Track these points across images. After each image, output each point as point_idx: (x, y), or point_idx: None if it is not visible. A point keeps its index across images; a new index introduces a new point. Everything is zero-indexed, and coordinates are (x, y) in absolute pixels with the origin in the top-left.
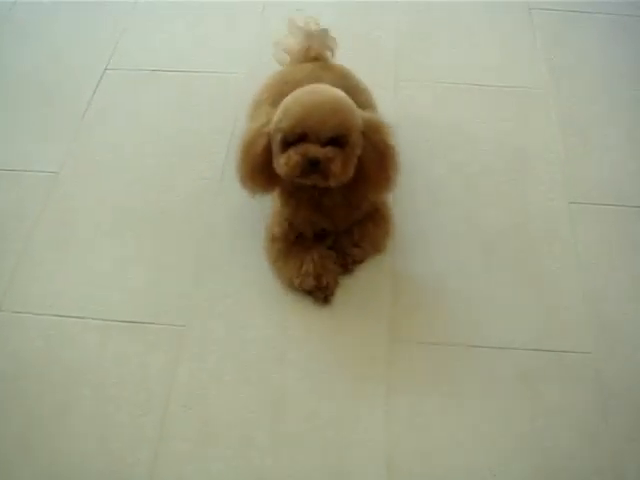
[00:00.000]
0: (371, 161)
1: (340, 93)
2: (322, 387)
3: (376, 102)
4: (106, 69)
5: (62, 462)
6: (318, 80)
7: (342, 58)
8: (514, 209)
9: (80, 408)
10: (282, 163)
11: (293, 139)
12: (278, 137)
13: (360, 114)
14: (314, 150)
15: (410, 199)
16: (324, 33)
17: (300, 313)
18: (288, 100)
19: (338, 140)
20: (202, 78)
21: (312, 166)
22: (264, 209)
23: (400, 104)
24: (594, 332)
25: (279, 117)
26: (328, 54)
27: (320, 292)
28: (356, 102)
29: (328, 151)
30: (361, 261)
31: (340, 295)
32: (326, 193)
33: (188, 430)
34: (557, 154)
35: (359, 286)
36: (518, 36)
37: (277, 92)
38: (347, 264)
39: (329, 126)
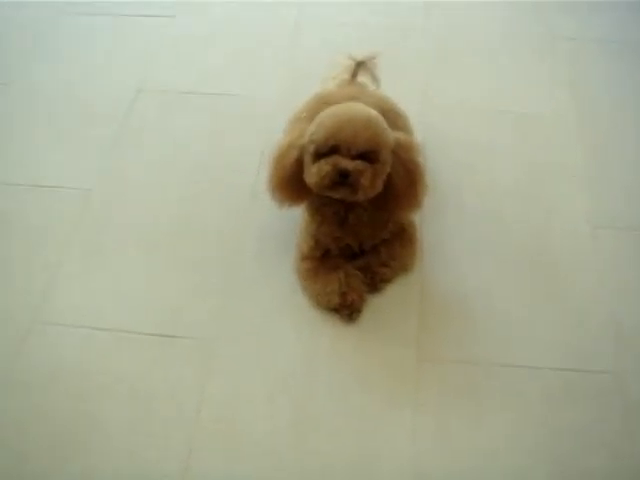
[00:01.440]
0: (400, 179)
1: (373, 111)
2: (350, 405)
3: (412, 128)
4: (139, 90)
5: (94, 475)
6: (356, 101)
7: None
8: (540, 232)
9: (111, 421)
10: (313, 173)
11: (325, 151)
12: (311, 148)
13: (392, 133)
14: (345, 162)
15: (437, 219)
16: (371, 59)
17: (329, 331)
18: (322, 114)
19: (369, 155)
20: (233, 100)
21: (342, 178)
22: (294, 226)
23: (427, 126)
24: (618, 351)
25: (313, 130)
26: (370, 82)
27: (346, 309)
28: (393, 125)
29: (358, 164)
30: (389, 280)
31: (368, 313)
32: (352, 210)
33: (217, 444)
34: (580, 178)
35: (387, 304)
36: (542, 64)
37: (315, 111)
38: (375, 283)
39: (361, 140)
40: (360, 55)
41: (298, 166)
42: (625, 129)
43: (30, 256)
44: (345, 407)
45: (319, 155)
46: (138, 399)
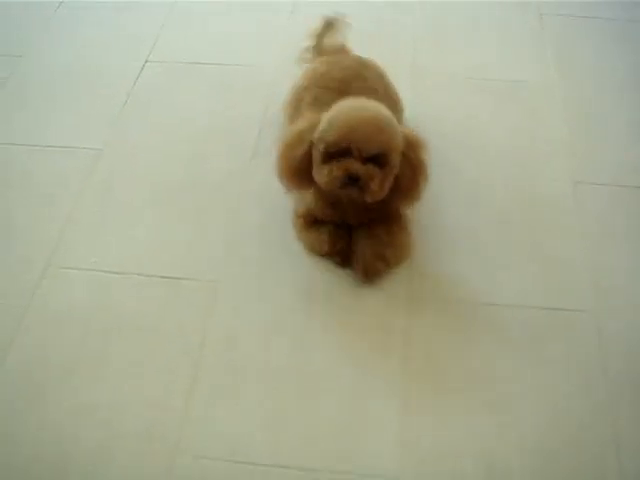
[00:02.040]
0: (404, 176)
1: (385, 111)
2: (345, 339)
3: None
4: (147, 61)
5: (102, 403)
6: (360, 77)
7: (364, 49)
8: (525, 189)
9: (119, 356)
10: (323, 174)
11: (336, 151)
12: (321, 147)
13: (403, 133)
14: (356, 166)
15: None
16: (339, 19)
17: (324, 275)
18: (334, 111)
19: (379, 158)
20: (235, 70)
21: (352, 181)
22: None
23: (417, 95)
24: (596, 293)
25: (324, 128)
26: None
27: (336, 256)
28: (388, 105)
29: (369, 169)
30: (381, 274)
31: None
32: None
33: (219, 377)
34: (563, 141)
35: None
36: (528, 37)
37: (328, 88)
38: (368, 275)
39: (374, 144)
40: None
41: (307, 159)
42: (606, 96)
43: (44, 209)
44: (338, 346)
45: (329, 155)
46: (145, 336)
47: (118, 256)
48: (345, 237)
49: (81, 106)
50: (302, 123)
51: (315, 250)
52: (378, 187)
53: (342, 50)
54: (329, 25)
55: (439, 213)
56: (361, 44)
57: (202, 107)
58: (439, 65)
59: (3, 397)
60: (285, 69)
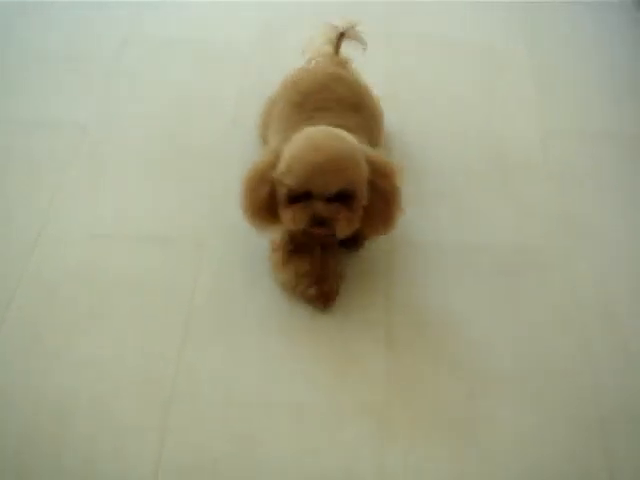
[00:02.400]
0: (376, 206)
1: (345, 145)
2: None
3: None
4: (127, 40)
5: (100, 357)
6: (326, 89)
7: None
8: (497, 142)
9: (113, 310)
10: (288, 219)
11: (298, 195)
12: (282, 190)
13: (367, 158)
14: (320, 209)
15: (400, 139)
16: (352, 28)
17: None
18: (292, 154)
19: (344, 195)
20: (214, 45)
21: (318, 223)
22: None
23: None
24: (565, 231)
25: (283, 171)
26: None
27: (321, 299)
28: (362, 115)
29: (334, 208)
30: (370, 237)
31: None
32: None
33: (209, 326)
34: (532, 98)
35: None
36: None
37: (290, 101)
38: (357, 242)
39: (334, 184)
40: (342, 25)
41: (271, 197)
42: (569, 54)
43: (35, 180)
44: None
45: (292, 198)
46: (139, 293)
47: (109, 221)
48: (331, 273)
49: (66, 84)
50: (260, 161)
51: (296, 292)
52: (346, 224)
53: (338, 63)
54: (342, 36)
55: (411, 166)
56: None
57: (182, 80)
58: (411, 32)
59: (2, 357)
60: (261, 43)
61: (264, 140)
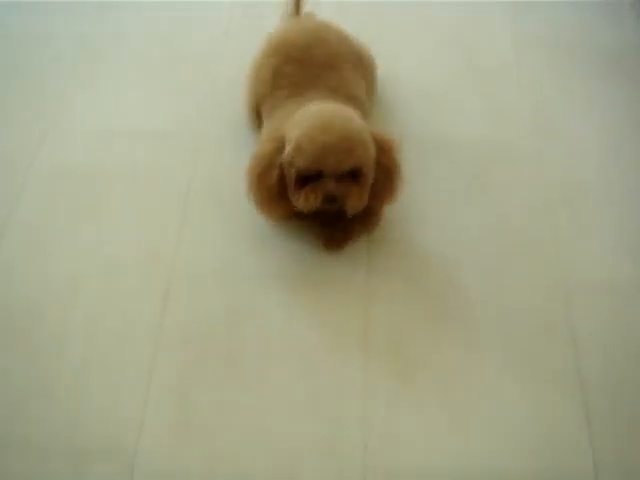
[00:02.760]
0: (379, 181)
1: (354, 123)
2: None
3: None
4: None
5: (104, 241)
6: (323, 41)
7: None
8: (470, 55)
9: (118, 201)
10: (300, 200)
11: (308, 175)
12: (292, 172)
13: (373, 136)
14: (332, 187)
15: (390, 113)
16: None
17: None
18: (300, 134)
19: (354, 173)
20: None
21: (330, 201)
22: None
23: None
24: (533, 133)
25: (292, 153)
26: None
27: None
28: (362, 71)
29: (345, 186)
30: (351, 238)
31: None
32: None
33: (206, 209)
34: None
35: None
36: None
37: (289, 57)
38: (372, 221)
39: (345, 163)
40: None
41: (281, 183)
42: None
43: (41, 83)
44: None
45: (302, 179)
46: (138, 182)
47: (111, 117)
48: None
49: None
50: (267, 147)
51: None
52: (357, 201)
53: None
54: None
55: (392, 71)
56: None
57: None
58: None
59: (13, 245)
60: None
61: (254, 111)
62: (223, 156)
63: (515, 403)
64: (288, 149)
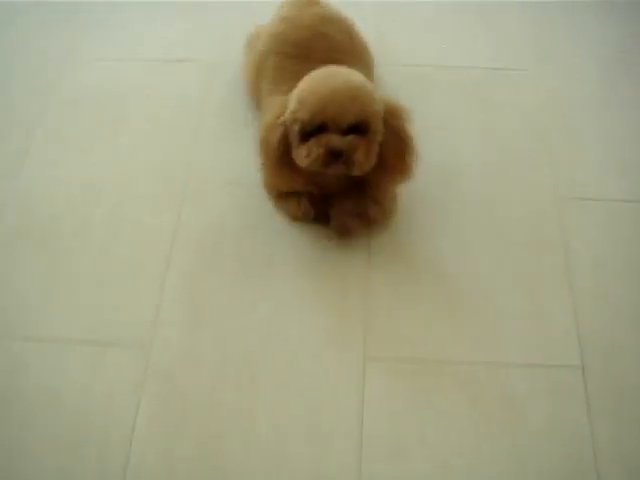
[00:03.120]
0: (390, 148)
1: (358, 77)
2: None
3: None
4: None
5: (119, 155)
6: (322, 36)
7: None
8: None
9: (129, 120)
10: (303, 155)
11: (312, 129)
12: (296, 128)
13: (382, 99)
14: (336, 141)
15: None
16: None
17: None
18: (302, 88)
19: (359, 127)
20: None
21: (335, 157)
22: None
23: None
24: (536, 56)
25: (295, 107)
26: None
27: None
28: (362, 62)
29: (351, 140)
30: (357, 229)
31: None
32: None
33: (219, 128)
34: None
35: None
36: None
37: (279, 51)
38: (342, 232)
39: (349, 113)
40: None
41: (285, 144)
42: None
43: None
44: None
45: (306, 134)
46: (152, 103)
47: (124, 47)
48: (323, 201)
49: None
50: (271, 112)
51: (296, 218)
52: (364, 157)
53: (310, 2)
54: None
55: None
56: None
57: None
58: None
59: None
60: None
61: (255, 96)
62: (238, 80)
63: (508, 296)
64: (290, 105)
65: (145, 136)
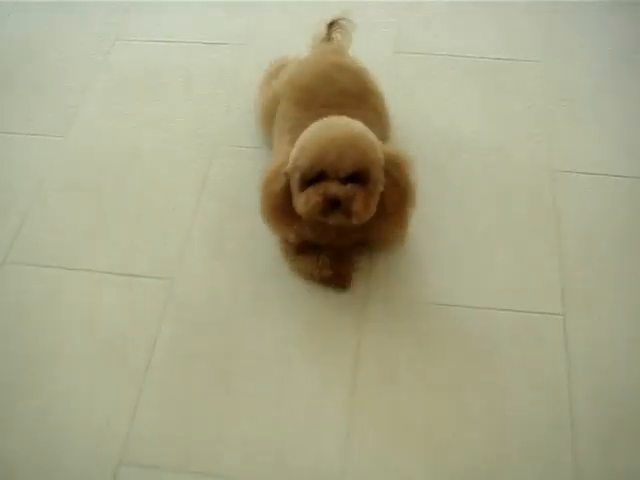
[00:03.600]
0: (391, 199)
1: (359, 126)
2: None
3: (388, 107)
4: None
5: (160, 117)
6: (329, 81)
7: None
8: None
9: (167, 92)
10: (301, 203)
11: (311, 177)
12: (296, 175)
13: (381, 147)
14: (334, 189)
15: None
16: (342, 19)
17: None
18: (304, 137)
19: (359, 176)
20: None
21: (333, 206)
22: None
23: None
24: (544, 46)
25: (296, 155)
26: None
27: (340, 280)
28: (368, 106)
29: (349, 189)
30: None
31: None
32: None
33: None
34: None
35: None
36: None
37: (293, 100)
38: (344, 279)
39: (348, 162)
40: (330, 17)
41: (286, 194)
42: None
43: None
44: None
45: (306, 182)
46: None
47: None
48: (346, 257)
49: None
50: (276, 160)
51: (314, 276)
52: (362, 207)
53: (335, 51)
54: (335, 24)
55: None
56: None
57: None
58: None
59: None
60: None
61: (267, 132)
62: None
63: (501, 251)
64: (292, 153)
65: (183, 105)
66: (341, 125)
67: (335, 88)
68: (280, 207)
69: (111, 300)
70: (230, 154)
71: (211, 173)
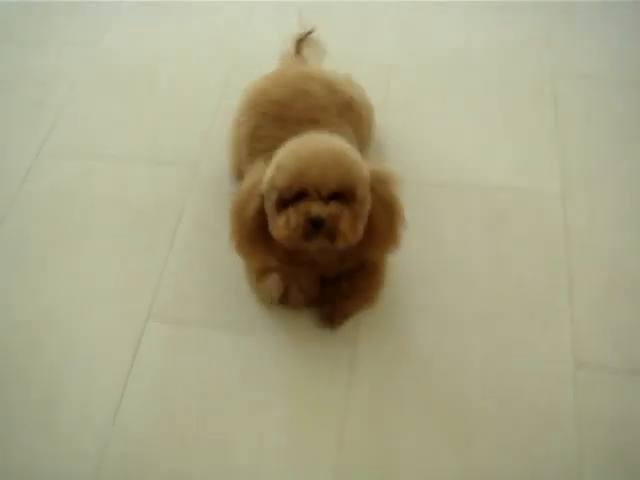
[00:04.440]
0: (379, 218)
1: (340, 142)
2: None
3: (374, 116)
4: None
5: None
6: (303, 93)
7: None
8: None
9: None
10: (280, 226)
11: (290, 197)
12: (273, 197)
13: (370, 168)
14: (317, 208)
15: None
16: (310, 35)
17: None
18: (282, 153)
19: (344, 194)
20: None
21: (316, 227)
22: None
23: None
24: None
25: (272, 174)
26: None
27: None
28: (348, 119)
29: (333, 208)
30: (349, 315)
31: None
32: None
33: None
34: None
35: None
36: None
37: (258, 110)
38: (333, 318)
39: (331, 178)
40: (297, 33)
41: (261, 217)
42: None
43: None
44: None
45: (284, 203)
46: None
47: None
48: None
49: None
50: (248, 180)
51: (274, 300)
52: (348, 228)
53: (303, 62)
54: (307, 35)
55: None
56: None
57: None
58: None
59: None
60: None
61: (237, 172)
62: None
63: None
64: (268, 172)
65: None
66: (321, 141)
67: (310, 101)
68: (254, 233)
69: (139, 182)
70: (249, 66)
71: (231, 75)
